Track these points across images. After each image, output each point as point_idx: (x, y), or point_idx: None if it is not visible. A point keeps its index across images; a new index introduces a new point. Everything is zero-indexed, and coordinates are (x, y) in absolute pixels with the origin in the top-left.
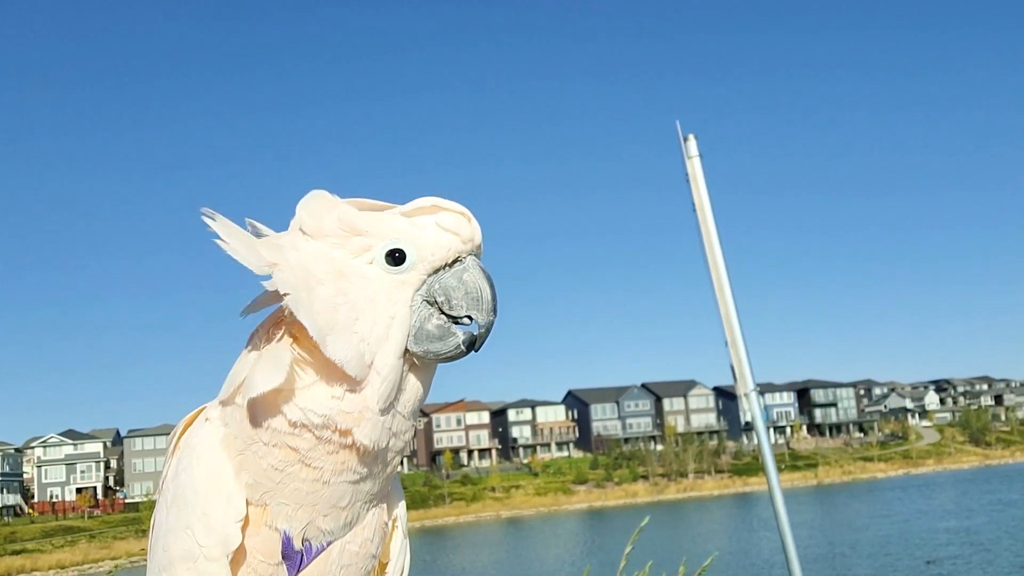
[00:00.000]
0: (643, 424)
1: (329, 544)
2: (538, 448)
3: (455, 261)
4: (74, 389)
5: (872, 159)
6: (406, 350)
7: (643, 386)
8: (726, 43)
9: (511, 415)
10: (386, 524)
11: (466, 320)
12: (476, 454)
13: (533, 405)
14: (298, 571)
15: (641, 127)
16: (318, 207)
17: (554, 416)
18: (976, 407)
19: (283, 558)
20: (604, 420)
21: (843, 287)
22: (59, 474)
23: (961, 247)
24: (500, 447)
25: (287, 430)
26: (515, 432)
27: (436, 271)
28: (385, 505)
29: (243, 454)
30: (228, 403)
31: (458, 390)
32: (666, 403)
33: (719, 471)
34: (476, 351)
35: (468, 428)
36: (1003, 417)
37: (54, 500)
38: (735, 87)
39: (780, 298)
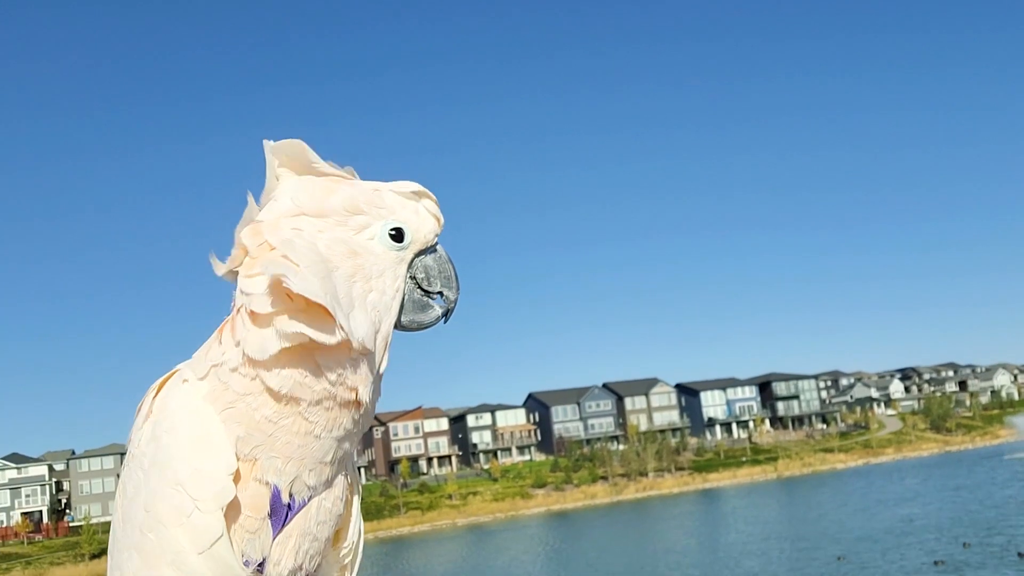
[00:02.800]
0: (605, 424)
1: (310, 499)
2: (499, 453)
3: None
4: (23, 411)
5: (853, 153)
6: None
7: (604, 386)
8: None
9: (471, 421)
10: (349, 487)
11: (437, 296)
12: (436, 461)
13: (493, 410)
14: (283, 526)
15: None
16: (318, 190)
17: (514, 420)
18: (940, 394)
19: (270, 513)
20: (565, 422)
21: (811, 280)
22: (3, 499)
23: (928, 237)
24: (460, 453)
25: (298, 381)
26: (475, 438)
27: (421, 252)
28: (348, 469)
29: (234, 407)
30: (225, 356)
31: (416, 397)
32: (628, 402)
33: (679, 468)
34: (446, 323)
35: (427, 435)
36: (967, 403)
37: (1, 525)
38: None
39: (746, 293)
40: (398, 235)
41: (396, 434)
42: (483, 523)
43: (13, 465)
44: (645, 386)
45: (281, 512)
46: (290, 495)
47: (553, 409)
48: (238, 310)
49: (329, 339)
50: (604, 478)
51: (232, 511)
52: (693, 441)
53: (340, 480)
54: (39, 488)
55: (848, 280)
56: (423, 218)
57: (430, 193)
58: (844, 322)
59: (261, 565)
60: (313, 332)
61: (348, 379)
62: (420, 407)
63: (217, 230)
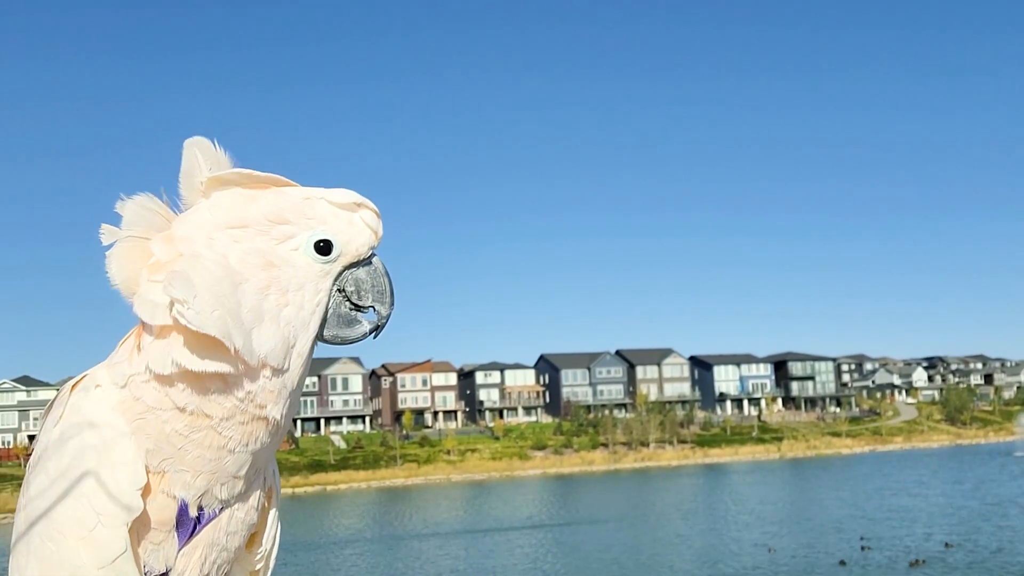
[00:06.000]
0: (615, 391)
1: (221, 511)
2: (505, 412)
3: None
4: (30, 334)
5: (896, 145)
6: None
7: (617, 353)
8: None
9: (479, 377)
10: (267, 495)
11: (369, 310)
12: (441, 416)
13: (502, 368)
14: (189, 538)
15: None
16: (239, 198)
17: (523, 380)
18: (963, 385)
19: (176, 525)
20: (575, 386)
21: (846, 263)
22: (11, 420)
23: (972, 231)
24: (467, 410)
25: (207, 398)
26: (483, 395)
27: (352, 264)
28: (264, 477)
29: (143, 418)
30: (137, 367)
31: (425, 350)
32: (639, 371)
33: (682, 441)
34: (375, 339)
35: (434, 389)
36: (991, 396)
37: (8, 447)
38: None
39: (773, 273)
40: (325, 247)
41: (404, 385)
42: (477, 480)
43: (23, 388)
44: (658, 356)
45: (188, 524)
46: (199, 508)
47: (563, 372)
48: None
49: (223, 367)
50: (604, 445)
51: (138, 524)
52: (701, 415)
53: (256, 488)
54: None
55: (886, 268)
56: (358, 230)
57: (370, 203)
58: (878, 308)
59: None
60: (205, 364)
61: (257, 396)
62: (430, 360)
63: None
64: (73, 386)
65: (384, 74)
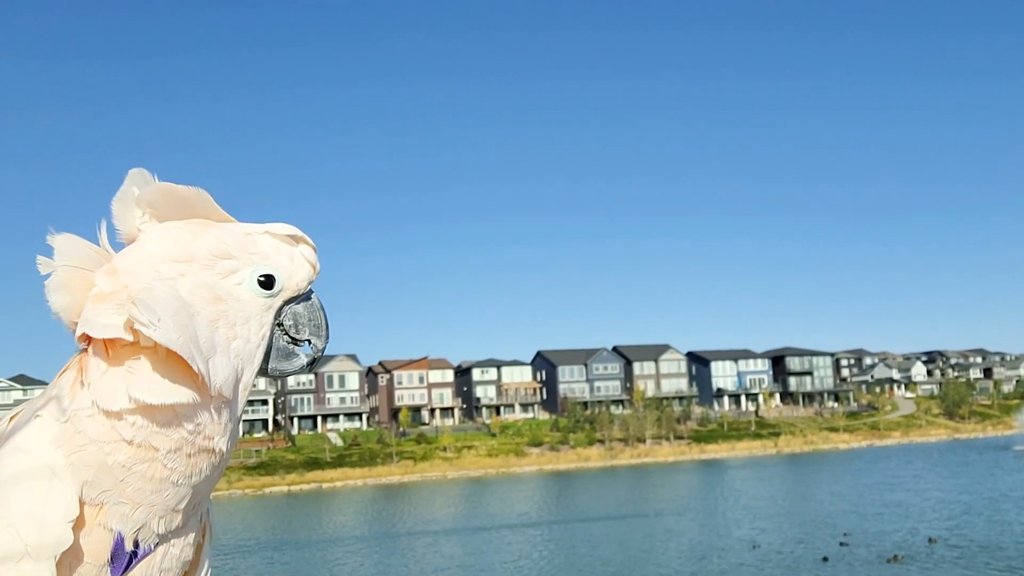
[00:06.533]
0: (612, 388)
1: (156, 547)
2: (502, 409)
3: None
4: (26, 332)
5: (891, 143)
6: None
7: (614, 349)
8: None
9: (476, 374)
10: (202, 530)
11: (305, 343)
12: (438, 413)
13: (499, 365)
14: (123, 573)
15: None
16: (184, 234)
17: (520, 377)
18: (963, 379)
19: (111, 559)
20: (572, 382)
21: (845, 258)
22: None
23: (967, 224)
24: (464, 407)
25: (155, 430)
26: (479, 392)
27: (291, 299)
28: (201, 514)
29: (83, 450)
30: (82, 402)
31: (422, 347)
32: (636, 367)
33: (678, 437)
34: (310, 370)
35: (431, 386)
36: (990, 390)
37: None
38: None
39: (772, 270)
40: (267, 282)
41: (400, 382)
42: (474, 477)
43: (19, 387)
44: (655, 352)
45: (123, 559)
46: (135, 542)
47: (560, 369)
48: (86, 349)
49: (181, 398)
50: (601, 441)
51: (69, 557)
52: (698, 411)
53: (193, 525)
54: None
55: (885, 262)
56: (298, 265)
57: (308, 239)
58: (878, 303)
59: None
60: (164, 395)
61: (206, 428)
62: (426, 357)
63: None
64: (12, 418)
65: (383, 74)
